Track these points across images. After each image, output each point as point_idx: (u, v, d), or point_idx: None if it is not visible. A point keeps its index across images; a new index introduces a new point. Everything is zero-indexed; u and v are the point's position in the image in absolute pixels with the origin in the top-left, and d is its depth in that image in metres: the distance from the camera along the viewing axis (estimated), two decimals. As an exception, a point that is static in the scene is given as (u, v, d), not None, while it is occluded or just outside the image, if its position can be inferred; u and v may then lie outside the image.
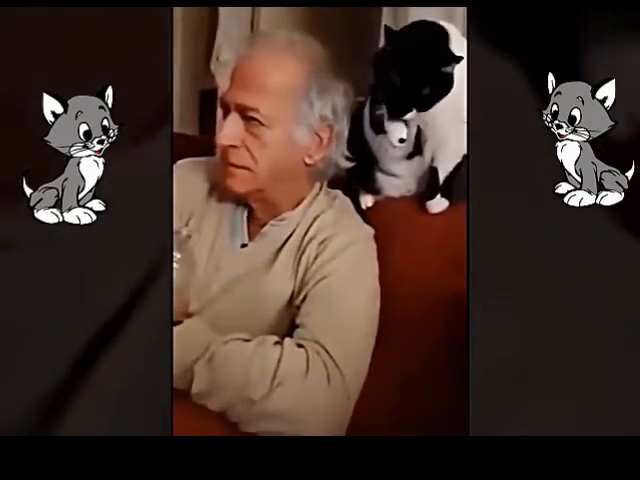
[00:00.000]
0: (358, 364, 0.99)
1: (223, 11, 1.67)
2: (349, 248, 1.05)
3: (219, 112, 1.69)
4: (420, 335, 1.08)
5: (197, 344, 0.94)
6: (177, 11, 1.81)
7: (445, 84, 1.00)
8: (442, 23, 1.02)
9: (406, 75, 1.00)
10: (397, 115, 1.04)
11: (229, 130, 1.02)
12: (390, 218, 1.15)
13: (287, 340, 0.95)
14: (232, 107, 1.02)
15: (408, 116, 1.04)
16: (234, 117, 1.02)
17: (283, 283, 1.06)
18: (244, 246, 1.10)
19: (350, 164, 1.13)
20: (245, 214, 1.12)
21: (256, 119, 1.00)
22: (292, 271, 1.06)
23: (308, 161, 1.07)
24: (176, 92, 1.86)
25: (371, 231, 1.12)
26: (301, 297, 1.03)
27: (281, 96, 1.00)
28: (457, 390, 0.81)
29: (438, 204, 1.13)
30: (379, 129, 1.09)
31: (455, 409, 0.81)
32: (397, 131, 1.07)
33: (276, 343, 0.94)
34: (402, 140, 1.07)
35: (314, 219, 1.09)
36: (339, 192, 1.16)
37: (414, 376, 1.06)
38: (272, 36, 1.06)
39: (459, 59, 0.98)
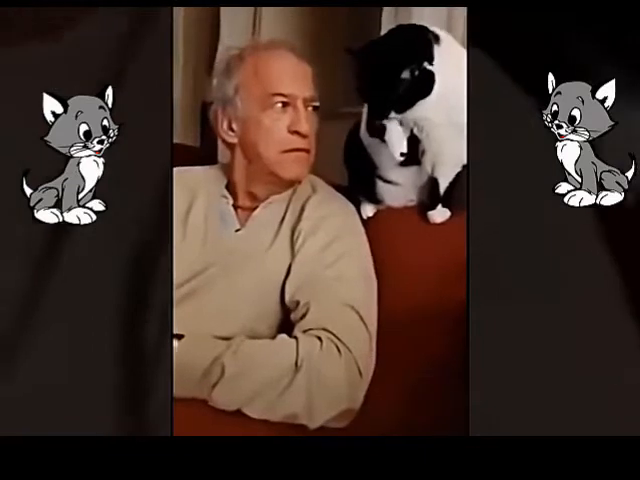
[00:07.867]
0: (361, 341, 1.01)
1: (224, 22, 1.68)
2: (332, 219, 1.12)
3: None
4: (422, 345, 1.07)
5: (214, 346, 0.97)
6: (178, 23, 1.82)
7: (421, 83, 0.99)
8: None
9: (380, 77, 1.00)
10: (378, 118, 1.05)
11: (307, 122, 1.11)
12: (392, 229, 1.16)
13: (297, 331, 0.99)
14: (299, 101, 1.11)
15: (391, 116, 1.02)
16: (302, 109, 1.12)
17: (280, 262, 1.10)
18: (238, 231, 1.15)
19: None
20: (230, 203, 1.18)
21: (316, 107, 1.14)
22: (288, 249, 1.10)
23: None
24: (177, 104, 1.88)
25: (353, 208, 1.18)
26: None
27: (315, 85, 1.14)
28: (458, 396, 0.81)
29: (440, 214, 1.13)
30: (380, 137, 1.09)
31: (455, 412, 0.81)
32: (397, 144, 1.07)
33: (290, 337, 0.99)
34: (403, 154, 1.07)
35: (304, 200, 1.15)
36: (317, 178, 1.23)
37: (416, 382, 1.06)
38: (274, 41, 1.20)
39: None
